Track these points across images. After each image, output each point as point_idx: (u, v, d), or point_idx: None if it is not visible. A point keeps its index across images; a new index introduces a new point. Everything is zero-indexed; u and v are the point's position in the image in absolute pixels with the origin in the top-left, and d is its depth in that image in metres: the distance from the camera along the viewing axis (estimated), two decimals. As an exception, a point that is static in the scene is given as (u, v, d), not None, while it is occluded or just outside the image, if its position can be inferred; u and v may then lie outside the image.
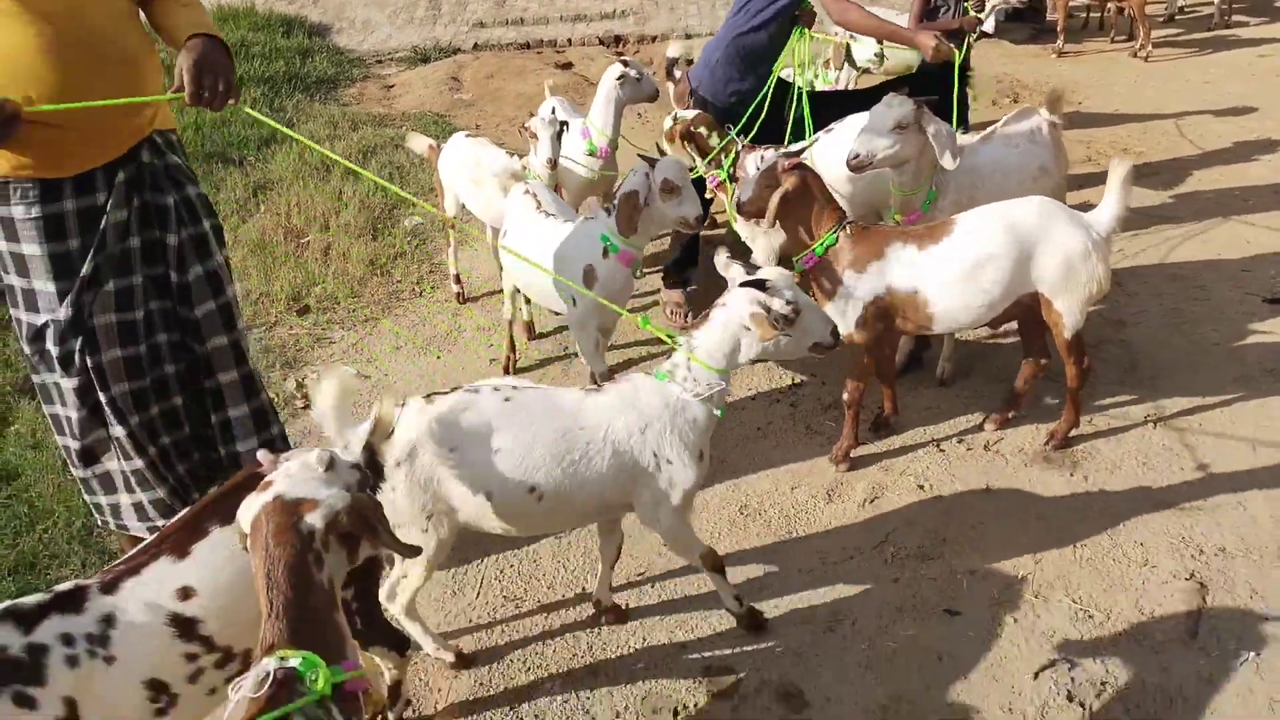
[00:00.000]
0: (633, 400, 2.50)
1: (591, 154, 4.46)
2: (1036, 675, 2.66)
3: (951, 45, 4.08)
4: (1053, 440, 3.54)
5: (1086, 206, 3.59)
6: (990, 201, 3.39)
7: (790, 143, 4.25)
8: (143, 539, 2.21)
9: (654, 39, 9.21)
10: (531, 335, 4.50)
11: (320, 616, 1.67)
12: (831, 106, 4.48)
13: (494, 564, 3.16)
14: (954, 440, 3.66)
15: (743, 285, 2.54)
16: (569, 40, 9.35)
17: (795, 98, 4.32)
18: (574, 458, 2.44)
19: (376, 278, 5.09)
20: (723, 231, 5.16)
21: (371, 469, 2.09)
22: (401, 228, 5.57)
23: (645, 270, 4.69)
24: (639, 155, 3.88)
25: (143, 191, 2.53)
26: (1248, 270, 4.70)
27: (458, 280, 4.85)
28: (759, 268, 2.67)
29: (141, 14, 2.52)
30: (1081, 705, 2.56)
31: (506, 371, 4.21)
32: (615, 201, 3.43)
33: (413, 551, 1.91)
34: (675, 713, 2.62)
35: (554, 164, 4.02)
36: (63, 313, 2.44)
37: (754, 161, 3.79)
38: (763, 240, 3.92)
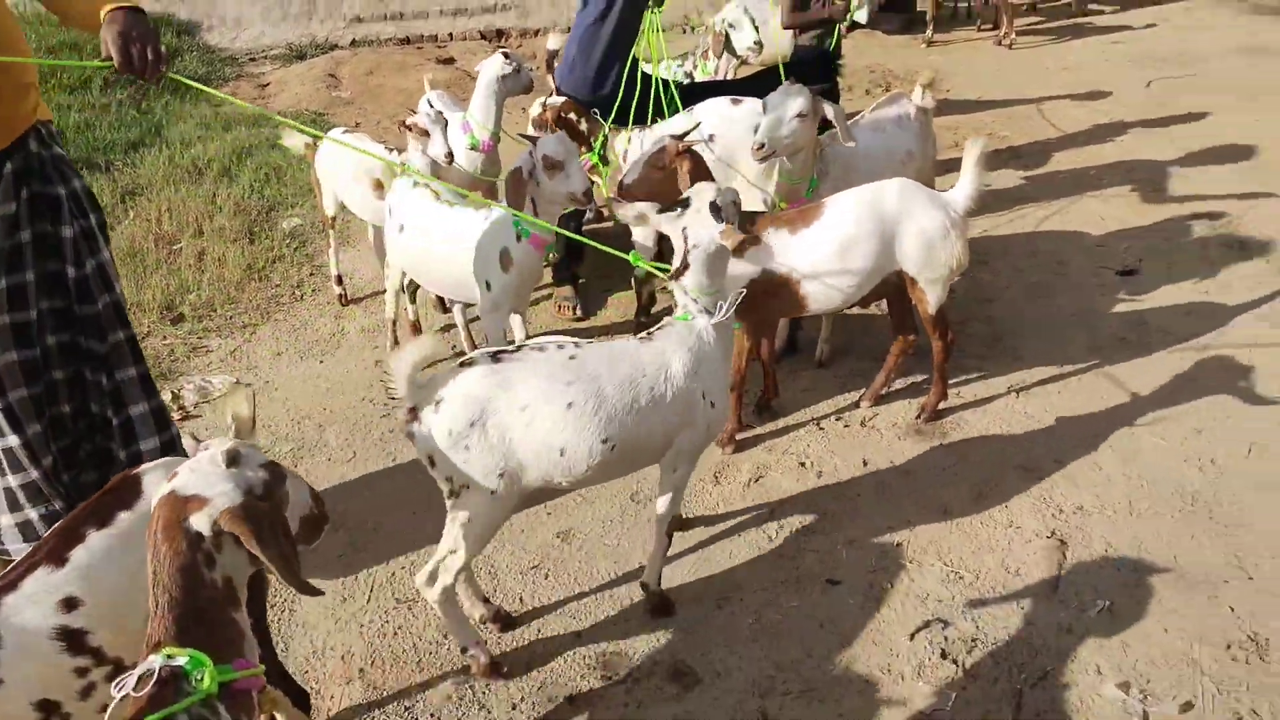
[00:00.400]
0: (681, 341, 2.58)
1: (474, 149, 4.42)
2: (913, 636, 2.79)
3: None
4: (923, 414, 3.71)
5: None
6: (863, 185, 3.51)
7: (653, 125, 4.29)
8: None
9: (536, 32, 9.19)
10: (417, 333, 4.45)
11: (210, 614, 1.62)
12: (711, 96, 4.56)
13: (384, 569, 3.13)
14: (833, 418, 3.79)
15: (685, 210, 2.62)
16: (450, 35, 9.25)
17: (658, 83, 4.35)
18: (641, 404, 2.49)
19: (254, 282, 4.96)
20: (609, 225, 5.19)
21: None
22: (280, 230, 5.43)
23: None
24: (520, 136, 3.85)
25: (32, 183, 2.41)
26: (1102, 245, 5.00)
27: (340, 281, 4.76)
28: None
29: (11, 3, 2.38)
30: (955, 662, 2.70)
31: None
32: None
33: (293, 579, 1.68)
34: (571, 699, 2.65)
35: (451, 158, 3.94)
36: None
37: (621, 142, 3.83)
38: (640, 230, 3.97)
